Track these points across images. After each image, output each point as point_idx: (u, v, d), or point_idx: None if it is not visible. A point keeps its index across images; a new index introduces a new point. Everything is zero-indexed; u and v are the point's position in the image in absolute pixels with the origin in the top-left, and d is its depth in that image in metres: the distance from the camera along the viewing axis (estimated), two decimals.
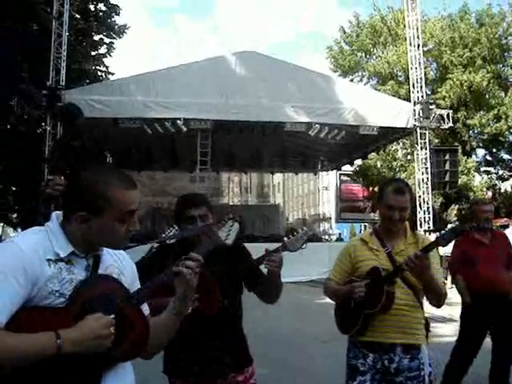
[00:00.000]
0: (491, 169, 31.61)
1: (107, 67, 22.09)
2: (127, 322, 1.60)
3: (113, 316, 1.54)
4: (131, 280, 1.76)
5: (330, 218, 28.67)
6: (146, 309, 1.78)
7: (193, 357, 2.40)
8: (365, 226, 31.87)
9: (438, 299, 2.76)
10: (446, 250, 14.71)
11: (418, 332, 2.79)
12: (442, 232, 2.72)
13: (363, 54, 30.45)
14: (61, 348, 1.44)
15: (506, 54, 27.95)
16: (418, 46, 16.97)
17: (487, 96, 26.56)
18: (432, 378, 2.73)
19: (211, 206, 2.55)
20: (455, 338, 5.02)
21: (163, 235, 2.85)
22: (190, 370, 2.42)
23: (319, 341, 6.93)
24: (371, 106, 15.63)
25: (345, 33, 30.62)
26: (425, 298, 2.82)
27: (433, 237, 9.12)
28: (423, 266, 2.55)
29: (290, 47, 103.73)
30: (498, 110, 26.47)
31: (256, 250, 2.74)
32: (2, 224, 25.87)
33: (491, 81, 26.48)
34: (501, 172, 31.62)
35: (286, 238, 2.55)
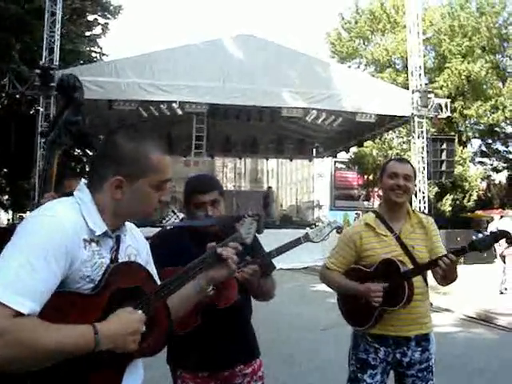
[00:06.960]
0: (486, 160, 31.61)
1: (101, 48, 21.81)
2: (154, 317, 1.49)
3: (142, 310, 1.43)
4: (145, 261, 1.62)
5: (323, 206, 28.64)
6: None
7: (201, 348, 2.31)
8: (357, 214, 31.94)
9: (451, 283, 2.66)
10: None
11: (428, 319, 2.71)
12: (480, 236, 2.55)
13: (361, 41, 30.23)
14: (98, 344, 1.30)
15: (505, 44, 27.72)
16: (418, 33, 16.77)
17: (485, 86, 26.40)
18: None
19: (223, 189, 2.42)
20: (450, 329, 4.94)
21: (164, 220, 2.74)
22: (197, 361, 2.33)
23: (318, 328, 6.87)
24: (369, 93, 15.45)
25: (343, 19, 30.37)
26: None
27: None
28: (455, 266, 2.49)
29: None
30: (496, 101, 26.34)
31: None
32: None
33: (489, 71, 26.30)
34: (495, 163, 31.63)
35: (308, 228, 2.51)
